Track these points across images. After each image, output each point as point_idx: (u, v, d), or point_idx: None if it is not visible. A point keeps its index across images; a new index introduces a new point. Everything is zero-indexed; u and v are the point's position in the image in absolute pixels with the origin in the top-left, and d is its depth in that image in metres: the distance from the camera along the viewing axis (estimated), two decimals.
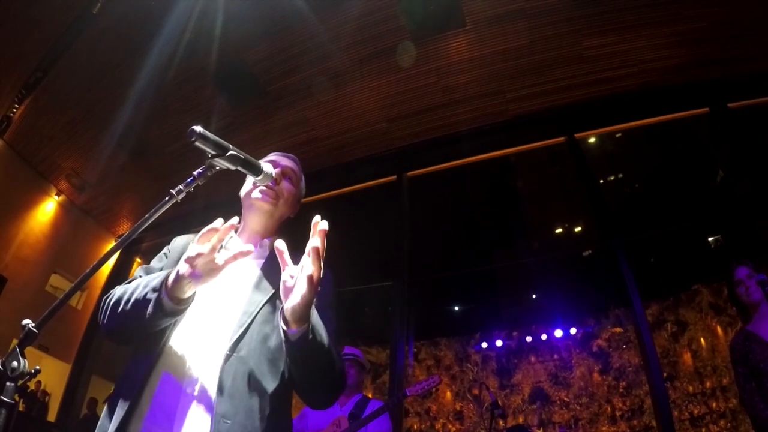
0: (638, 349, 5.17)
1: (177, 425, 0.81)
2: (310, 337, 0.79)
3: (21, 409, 5.17)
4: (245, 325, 0.92)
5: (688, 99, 4.39)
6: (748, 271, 2.10)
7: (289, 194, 1.14)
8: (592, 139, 5.90)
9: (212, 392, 0.84)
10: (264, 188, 1.10)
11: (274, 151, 1.25)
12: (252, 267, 1.04)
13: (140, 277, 0.96)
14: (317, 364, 0.85)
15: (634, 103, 4.48)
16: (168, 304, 0.83)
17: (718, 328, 5.56)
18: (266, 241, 1.11)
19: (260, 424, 0.84)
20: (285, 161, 1.20)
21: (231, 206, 1.18)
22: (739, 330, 2.09)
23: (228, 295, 0.98)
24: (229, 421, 0.80)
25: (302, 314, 0.78)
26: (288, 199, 1.14)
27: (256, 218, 1.12)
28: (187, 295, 0.84)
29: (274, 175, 1.00)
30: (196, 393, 0.85)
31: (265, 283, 0.99)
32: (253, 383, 0.87)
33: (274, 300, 0.96)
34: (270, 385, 0.89)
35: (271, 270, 0.99)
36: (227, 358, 0.87)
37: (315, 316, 0.83)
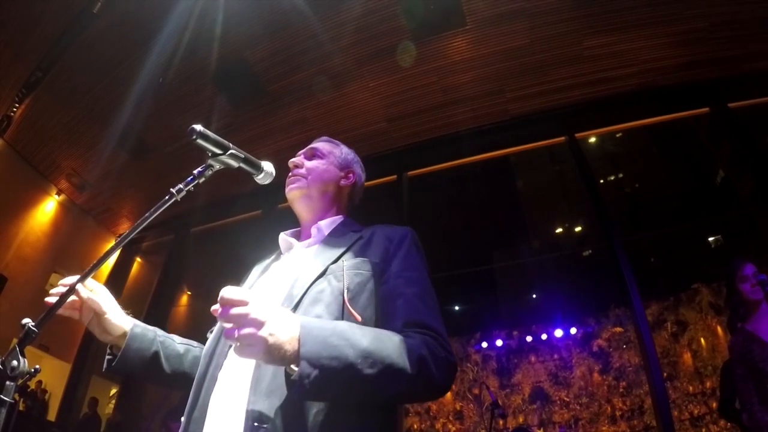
0: (638, 349, 5.17)
1: (210, 427, 0.74)
2: (309, 379, 0.59)
3: (21, 408, 5.16)
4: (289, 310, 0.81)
5: (688, 99, 4.39)
6: (754, 270, 2.14)
7: (315, 169, 1.11)
8: (592, 139, 5.90)
9: (246, 391, 0.73)
10: (288, 178, 1.11)
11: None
12: (306, 253, 0.98)
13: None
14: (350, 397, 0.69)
15: (634, 103, 4.48)
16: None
17: (719, 328, 5.55)
18: (321, 223, 1.05)
19: (316, 428, 0.69)
20: (312, 144, 1.20)
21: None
22: (738, 330, 2.10)
23: (278, 288, 0.89)
24: (266, 425, 0.67)
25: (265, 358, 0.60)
26: (318, 173, 1.11)
27: (297, 208, 1.12)
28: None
29: (274, 172, 1.01)
30: (229, 393, 0.76)
31: (315, 263, 0.89)
32: None
33: (325, 277, 0.86)
34: None
35: (325, 249, 0.94)
36: None
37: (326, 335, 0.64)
